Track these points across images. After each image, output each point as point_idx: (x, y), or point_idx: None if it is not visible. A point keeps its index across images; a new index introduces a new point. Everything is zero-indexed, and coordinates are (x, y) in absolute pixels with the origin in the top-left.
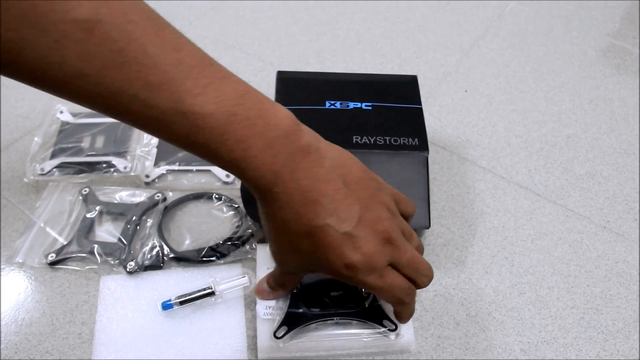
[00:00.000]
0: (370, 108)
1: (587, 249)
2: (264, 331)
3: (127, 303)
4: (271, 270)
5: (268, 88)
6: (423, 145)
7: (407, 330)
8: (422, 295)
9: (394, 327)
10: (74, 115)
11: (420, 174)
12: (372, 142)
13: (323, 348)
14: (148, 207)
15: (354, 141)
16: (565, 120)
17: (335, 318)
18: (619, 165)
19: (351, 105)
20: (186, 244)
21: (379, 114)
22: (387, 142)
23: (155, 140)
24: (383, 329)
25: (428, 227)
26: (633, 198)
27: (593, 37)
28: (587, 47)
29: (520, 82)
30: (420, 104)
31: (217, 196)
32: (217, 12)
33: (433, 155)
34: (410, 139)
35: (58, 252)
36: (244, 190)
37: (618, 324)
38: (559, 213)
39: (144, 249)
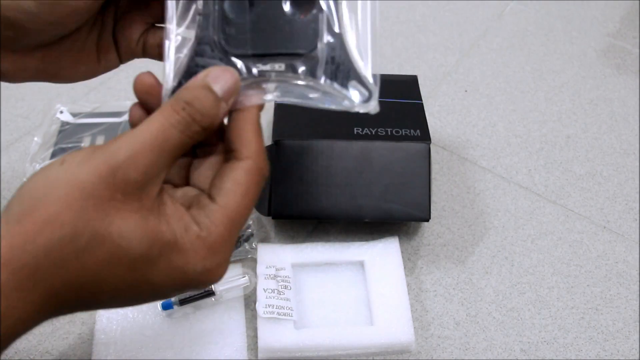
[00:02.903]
0: None
1: (587, 249)
2: (264, 331)
3: None
4: (270, 268)
5: None
6: (425, 136)
7: (407, 330)
8: (422, 295)
9: (367, 94)
10: (74, 115)
11: (421, 165)
12: (373, 133)
13: (323, 348)
14: None
15: (355, 132)
16: (565, 120)
17: (272, 74)
18: (619, 165)
19: None
20: None
21: (379, 108)
22: (389, 133)
23: None
24: (346, 96)
25: (428, 219)
26: (633, 198)
27: (593, 37)
28: (587, 47)
29: (520, 82)
30: (421, 100)
31: None
32: None
33: (433, 155)
34: (411, 130)
35: None
36: None
37: (618, 324)
38: (559, 213)
39: None
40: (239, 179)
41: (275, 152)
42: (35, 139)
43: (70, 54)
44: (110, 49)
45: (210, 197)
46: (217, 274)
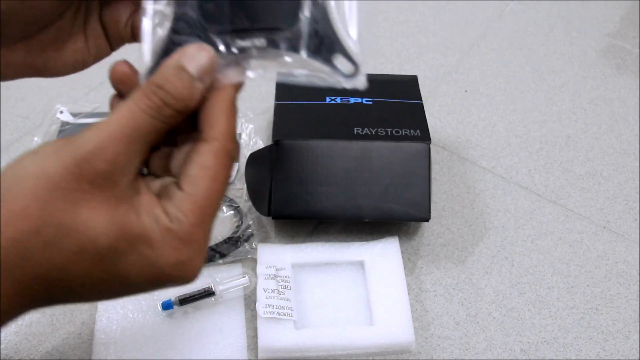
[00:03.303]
0: (371, 103)
1: (587, 249)
2: (264, 331)
3: (127, 303)
4: (270, 268)
5: (268, 88)
6: (425, 136)
7: (407, 330)
8: (422, 295)
9: (353, 68)
10: (74, 115)
11: (421, 165)
12: (373, 133)
13: (323, 348)
14: None
15: (355, 132)
16: (565, 120)
17: (253, 51)
18: (619, 165)
19: (352, 100)
20: None
21: (380, 108)
22: (389, 134)
23: None
24: (331, 71)
25: (428, 219)
26: (633, 198)
27: (593, 37)
28: (587, 47)
29: (520, 82)
30: (421, 100)
31: None
32: None
33: (433, 155)
34: (411, 130)
35: None
36: (250, 186)
37: (618, 324)
38: (559, 213)
39: None
40: (206, 163)
41: (276, 152)
42: (35, 139)
43: (57, 44)
44: (98, 35)
45: (178, 185)
46: (191, 267)
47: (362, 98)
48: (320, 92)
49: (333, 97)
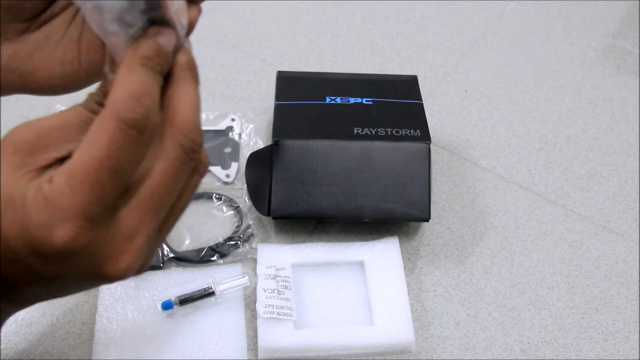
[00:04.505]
0: (371, 103)
1: (587, 249)
2: (264, 331)
3: (127, 303)
4: (270, 268)
5: (268, 88)
6: (425, 136)
7: (407, 330)
8: (422, 295)
9: None
10: None
11: (421, 165)
12: (373, 133)
13: (323, 348)
14: None
15: (355, 132)
16: (565, 120)
17: None
18: (619, 165)
19: (352, 100)
20: (186, 244)
21: (379, 108)
22: (389, 134)
23: None
24: None
25: (428, 219)
26: (633, 198)
27: (593, 37)
28: (587, 47)
29: (520, 82)
30: (421, 100)
31: (217, 196)
32: (217, 12)
33: (433, 155)
34: (411, 130)
35: None
36: (250, 186)
37: (618, 324)
38: (559, 213)
39: None
40: (90, 128)
41: (276, 152)
42: None
43: (45, 51)
44: (94, 50)
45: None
46: (54, 234)
47: (362, 98)
48: (321, 92)
49: (333, 97)
